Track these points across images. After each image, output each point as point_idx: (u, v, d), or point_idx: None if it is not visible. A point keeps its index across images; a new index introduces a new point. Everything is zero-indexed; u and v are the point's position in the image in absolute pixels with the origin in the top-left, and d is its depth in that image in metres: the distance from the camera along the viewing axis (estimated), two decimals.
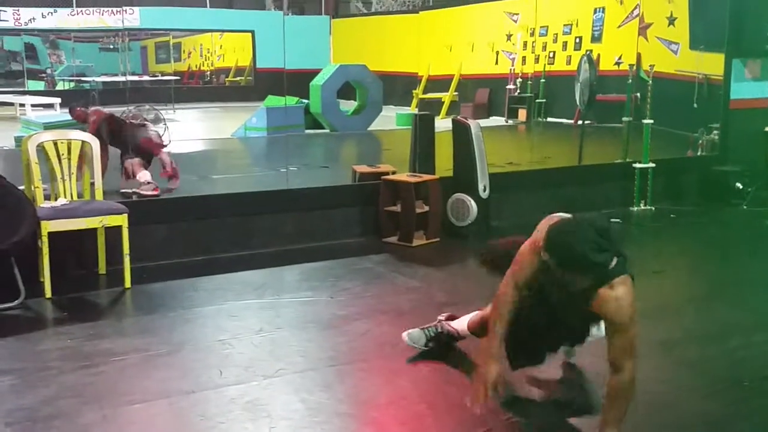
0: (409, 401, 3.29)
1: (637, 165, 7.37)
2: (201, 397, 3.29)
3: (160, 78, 20.42)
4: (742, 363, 3.75)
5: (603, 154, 8.86)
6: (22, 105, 14.91)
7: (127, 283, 4.82)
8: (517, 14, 15.46)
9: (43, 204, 4.75)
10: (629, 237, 6.61)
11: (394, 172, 6.38)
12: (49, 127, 9.38)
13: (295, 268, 5.39)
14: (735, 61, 8.11)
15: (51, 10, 18.82)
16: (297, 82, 13.37)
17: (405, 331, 3.78)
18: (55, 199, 4.90)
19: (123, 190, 6.42)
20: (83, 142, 5.02)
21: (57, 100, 14.88)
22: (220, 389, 3.36)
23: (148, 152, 6.81)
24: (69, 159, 4.95)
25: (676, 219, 7.12)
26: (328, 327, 4.19)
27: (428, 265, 5.46)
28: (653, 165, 7.35)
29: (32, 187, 4.79)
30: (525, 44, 15.29)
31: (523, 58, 15.26)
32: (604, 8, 13.66)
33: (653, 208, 7.36)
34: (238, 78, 22.64)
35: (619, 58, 12.25)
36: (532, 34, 14.95)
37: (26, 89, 18.66)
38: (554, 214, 2.92)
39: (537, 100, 14.31)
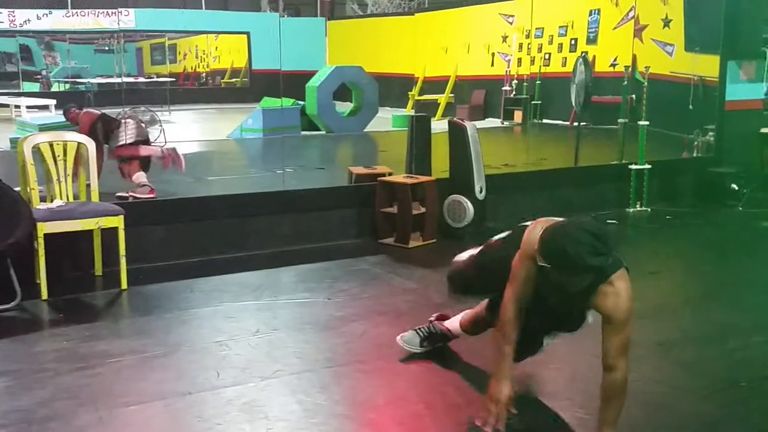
0: (407, 402, 3.29)
1: (633, 166, 7.38)
2: (198, 399, 3.28)
3: (155, 79, 20.40)
4: (739, 364, 3.76)
5: (599, 156, 8.89)
6: (17, 106, 14.90)
7: (124, 285, 4.80)
8: (512, 16, 15.49)
9: (39, 205, 4.74)
10: (625, 238, 6.62)
11: (390, 174, 6.38)
12: (44, 128, 9.37)
13: (291, 269, 5.38)
14: (730, 62, 8.14)
15: (46, 11, 18.80)
16: (293, 83, 13.38)
17: (402, 332, 3.78)
18: (51, 201, 4.88)
19: (118, 195, 6.39)
20: (79, 143, 5.01)
21: (52, 102, 14.89)
22: (217, 391, 3.35)
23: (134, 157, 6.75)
24: (65, 160, 4.94)
25: (672, 220, 7.13)
26: (325, 328, 4.19)
27: (425, 267, 5.46)
28: (649, 166, 7.36)
29: (28, 189, 4.78)
30: (520, 46, 15.32)
31: (519, 60, 15.29)
32: (599, 10, 13.69)
33: (649, 210, 7.37)
34: (233, 79, 22.65)
35: (615, 59, 12.31)
36: (527, 36, 14.98)
37: (21, 91, 18.66)
38: (536, 221, 2.89)
39: (533, 102, 14.35)
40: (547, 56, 14.78)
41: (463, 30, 16.90)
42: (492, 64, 16.16)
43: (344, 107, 14.43)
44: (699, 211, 7.48)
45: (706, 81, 9.40)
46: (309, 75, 13.85)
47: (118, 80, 18.60)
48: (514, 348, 2.93)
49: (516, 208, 6.64)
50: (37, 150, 4.85)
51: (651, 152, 7.48)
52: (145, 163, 6.80)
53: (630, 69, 9.67)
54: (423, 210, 6.05)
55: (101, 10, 18.86)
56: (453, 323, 3.66)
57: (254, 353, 3.79)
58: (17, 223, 4.43)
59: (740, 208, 7.45)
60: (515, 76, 15.13)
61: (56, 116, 11.46)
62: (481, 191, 6.20)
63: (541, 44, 14.92)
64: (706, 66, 9.23)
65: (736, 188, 7.62)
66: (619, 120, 8.48)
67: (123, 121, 6.77)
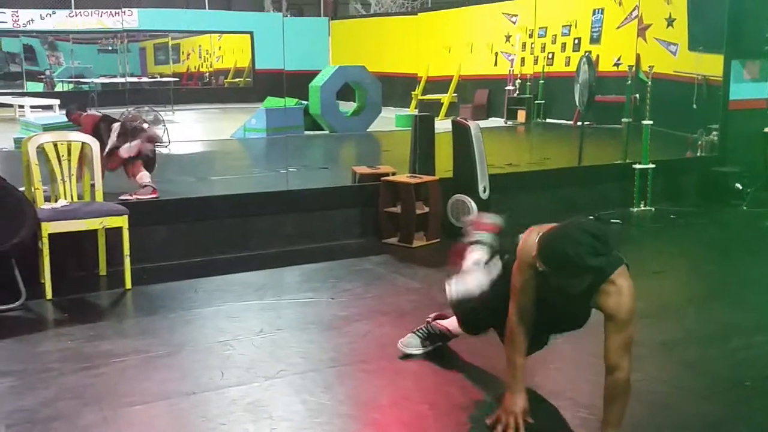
0: (411, 402, 3.29)
1: (637, 166, 7.37)
2: (202, 399, 3.28)
3: (159, 79, 20.41)
4: (742, 364, 3.75)
5: (602, 155, 8.87)
6: (21, 106, 14.91)
7: (128, 285, 4.82)
8: (515, 15, 15.48)
9: (43, 205, 4.75)
10: (629, 238, 6.61)
11: (394, 173, 6.38)
12: (48, 128, 9.38)
13: (295, 269, 5.39)
14: (734, 62, 8.13)
15: (50, 11, 18.83)
16: (296, 83, 13.38)
17: (406, 332, 3.80)
18: (56, 201, 4.90)
19: (121, 198, 6.39)
20: (83, 143, 5.02)
21: (56, 102, 14.90)
22: (221, 390, 3.36)
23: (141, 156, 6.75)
24: (69, 160, 4.95)
25: (676, 220, 7.12)
26: (329, 328, 4.19)
27: (428, 266, 5.46)
28: (653, 166, 7.36)
29: (32, 189, 4.79)
30: (524, 45, 15.30)
31: (522, 59, 15.27)
32: (603, 9, 13.67)
33: (653, 209, 7.36)
34: (237, 79, 22.66)
35: (618, 59, 12.29)
36: (530, 35, 14.97)
37: (25, 91, 18.69)
38: (529, 229, 2.89)
39: (536, 101, 14.33)
40: (550, 56, 14.77)
41: (467, 29, 16.89)
42: (495, 64, 16.14)
43: (347, 107, 14.42)
44: (703, 210, 7.47)
45: (710, 80, 9.39)
46: (312, 75, 13.85)
47: (122, 80, 18.62)
48: (525, 357, 2.94)
49: (520, 207, 6.64)
50: (41, 150, 4.87)
51: (655, 152, 7.47)
52: (148, 163, 6.80)
53: (634, 68, 9.68)
54: (426, 210, 6.05)
55: (104, 10, 18.89)
56: (452, 322, 3.66)
57: (258, 353, 3.80)
58: (22, 223, 4.44)
59: (744, 208, 7.44)
60: (518, 75, 15.11)
61: (60, 116, 11.45)
62: (484, 191, 6.20)
63: (545, 43, 14.91)
64: (709, 65, 9.21)
65: (740, 187, 7.61)
66: (623, 119, 8.47)
67: (110, 127, 6.77)
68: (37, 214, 4.55)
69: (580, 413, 3.16)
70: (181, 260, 5.45)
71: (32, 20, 18.82)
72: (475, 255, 3.61)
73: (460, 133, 6.25)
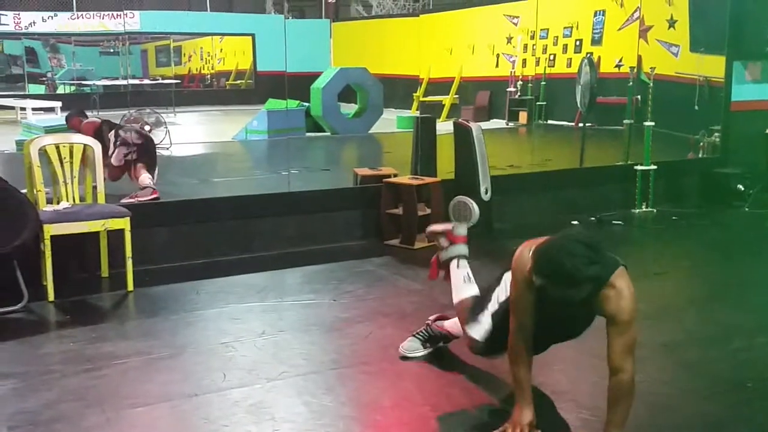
0: (413, 403, 3.29)
1: (639, 167, 7.37)
2: (204, 400, 3.29)
3: (160, 81, 20.43)
4: (743, 365, 3.75)
5: (604, 157, 8.87)
6: (22, 109, 14.92)
7: (130, 286, 4.82)
8: (517, 17, 15.48)
9: (45, 207, 4.76)
10: (631, 239, 6.62)
11: (395, 175, 6.38)
12: (50, 130, 9.41)
13: (296, 270, 5.39)
14: (736, 63, 8.12)
15: (51, 13, 18.85)
16: (298, 85, 13.38)
17: (408, 333, 3.80)
18: (58, 203, 4.90)
19: (122, 202, 6.40)
20: (85, 145, 5.03)
21: (58, 104, 14.90)
22: (223, 392, 3.36)
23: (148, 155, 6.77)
24: (71, 162, 4.96)
25: (678, 221, 7.12)
26: (331, 330, 4.20)
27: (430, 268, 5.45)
28: (654, 167, 7.36)
29: (34, 191, 4.80)
30: (525, 47, 15.31)
31: (524, 61, 15.28)
32: (604, 11, 13.68)
33: (655, 210, 7.36)
34: (238, 81, 22.67)
35: (620, 60, 12.28)
36: (532, 37, 14.97)
37: (27, 93, 18.70)
38: (521, 246, 2.88)
39: (537, 103, 14.33)
40: (551, 57, 14.77)
41: (468, 31, 16.90)
42: (497, 65, 16.15)
43: (349, 109, 14.43)
44: (705, 211, 7.47)
45: (712, 82, 9.39)
46: (314, 76, 13.86)
47: (124, 82, 18.63)
48: (530, 371, 2.94)
49: (522, 209, 6.65)
50: (43, 152, 4.88)
51: (656, 153, 7.47)
52: (150, 164, 6.81)
53: (635, 70, 9.68)
54: (428, 211, 6.06)
55: (106, 13, 18.91)
56: (453, 324, 3.66)
57: (260, 355, 3.80)
58: (24, 225, 4.45)
59: (746, 209, 7.44)
60: (520, 77, 15.12)
61: (62, 118, 11.47)
62: (486, 192, 6.20)
63: (546, 45, 14.91)
64: (711, 67, 9.21)
65: (742, 189, 7.61)
66: (625, 121, 8.49)
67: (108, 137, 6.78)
68: (39, 216, 4.55)
69: (582, 414, 3.16)
70: (183, 262, 5.45)
71: (34, 22, 18.85)
72: (462, 271, 3.62)
73: (462, 135, 6.25)
